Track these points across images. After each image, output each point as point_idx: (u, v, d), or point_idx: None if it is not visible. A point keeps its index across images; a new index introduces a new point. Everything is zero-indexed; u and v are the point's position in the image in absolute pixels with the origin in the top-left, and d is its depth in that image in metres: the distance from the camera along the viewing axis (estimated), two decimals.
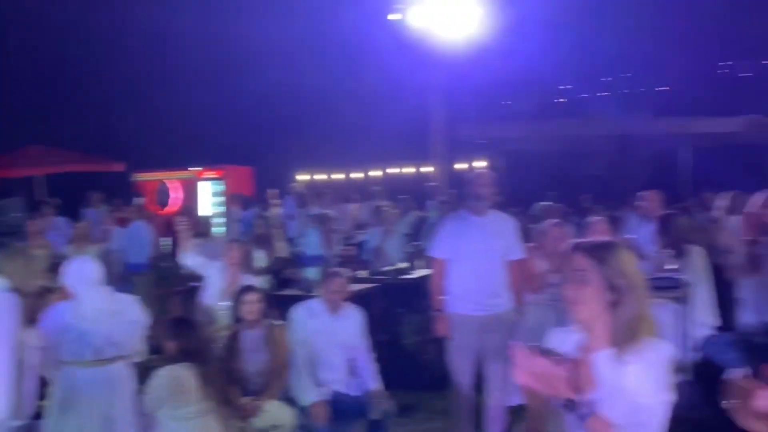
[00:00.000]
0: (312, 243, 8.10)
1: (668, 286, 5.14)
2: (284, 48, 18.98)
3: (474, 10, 11.56)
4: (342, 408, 4.82)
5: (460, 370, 5.14)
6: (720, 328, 5.48)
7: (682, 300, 5.12)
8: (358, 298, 6.13)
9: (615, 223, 8.08)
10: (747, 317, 5.26)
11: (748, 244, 4.83)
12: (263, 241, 7.78)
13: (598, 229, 5.85)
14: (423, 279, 6.55)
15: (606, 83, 29.32)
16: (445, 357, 5.30)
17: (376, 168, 21.37)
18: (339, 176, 21.25)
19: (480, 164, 17.56)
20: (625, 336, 2.32)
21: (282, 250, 8.37)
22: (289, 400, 4.80)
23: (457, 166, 16.72)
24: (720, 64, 30.04)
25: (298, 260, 8.20)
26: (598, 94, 28.11)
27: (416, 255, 8.02)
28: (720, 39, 26.00)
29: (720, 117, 14.70)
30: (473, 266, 5.03)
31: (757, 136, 13.98)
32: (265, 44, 18.20)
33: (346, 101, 19.89)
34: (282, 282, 7.19)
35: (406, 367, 6.96)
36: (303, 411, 4.71)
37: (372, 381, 4.92)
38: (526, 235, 6.19)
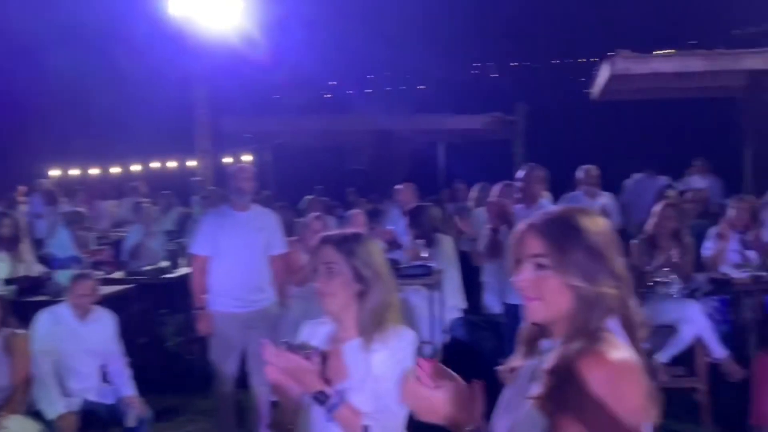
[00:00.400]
0: (62, 244, 7.52)
1: (421, 274, 5.42)
2: (28, 28, 17.35)
3: (241, 2, 11.39)
4: (94, 418, 4.55)
5: (224, 368, 5.07)
6: (466, 311, 5.88)
7: (433, 286, 5.42)
8: (113, 301, 5.82)
9: (376, 215, 8.40)
10: (490, 299, 5.70)
11: (491, 232, 5.21)
12: (5, 243, 7.09)
13: (357, 222, 6.04)
14: (185, 277, 6.36)
15: (370, 81, 30.36)
16: (209, 356, 5.19)
17: (136, 162, 20.39)
18: (95, 171, 19.97)
19: (247, 158, 17.41)
20: (372, 325, 2.39)
21: (27, 251, 7.68)
22: (35, 413, 4.43)
23: (224, 160, 16.43)
24: (473, 65, 32.32)
25: (47, 263, 7.58)
26: (364, 91, 29.03)
27: (179, 253, 7.76)
28: (473, 43, 27.94)
29: (469, 115, 15.80)
30: (235, 262, 4.97)
31: (498, 132, 15.25)
32: (4, 21, 16.49)
33: (103, 90, 18.70)
34: (27, 287, 6.60)
35: (169, 369, 6.76)
36: (50, 425, 4.37)
37: (126, 387, 4.68)
38: (293, 229, 6.23)
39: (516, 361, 1.70)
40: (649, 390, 1.53)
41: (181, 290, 6.28)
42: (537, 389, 1.54)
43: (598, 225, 1.64)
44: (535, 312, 1.62)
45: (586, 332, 1.54)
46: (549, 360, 1.56)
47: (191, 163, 15.69)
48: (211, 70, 12.49)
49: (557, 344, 1.59)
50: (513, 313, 5.04)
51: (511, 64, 32.61)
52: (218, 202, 7.28)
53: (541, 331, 1.66)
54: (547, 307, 1.60)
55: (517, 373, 1.68)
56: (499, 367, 1.74)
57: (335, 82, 28.98)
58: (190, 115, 12.44)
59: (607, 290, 1.57)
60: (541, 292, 1.59)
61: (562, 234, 1.60)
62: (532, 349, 1.67)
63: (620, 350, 1.51)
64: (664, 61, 9.46)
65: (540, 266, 1.60)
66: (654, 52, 10.63)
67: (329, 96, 28.68)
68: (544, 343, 1.66)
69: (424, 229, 5.75)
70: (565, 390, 1.46)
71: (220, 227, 5.06)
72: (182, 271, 7.17)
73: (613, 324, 1.58)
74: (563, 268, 1.57)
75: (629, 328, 1.60)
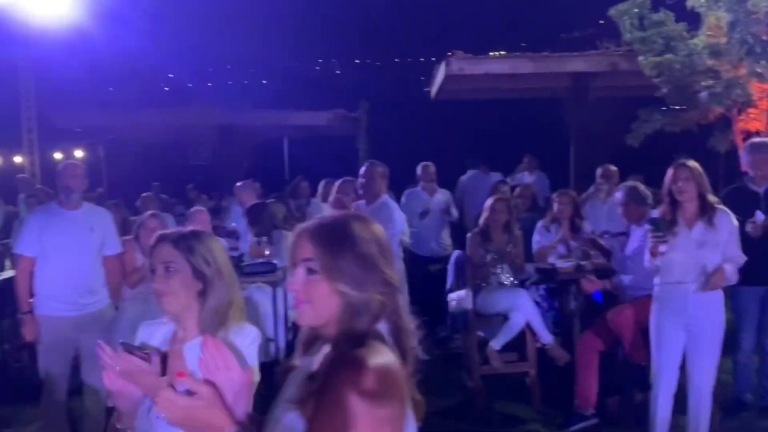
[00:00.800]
0: None
1: (264, 271, 5.40)
2: None
3: None
4: None
5: (55, 375, 4.81)
6: None
7: (277, 283, 5.42)
8: None
9: (218, 212, 8.26)
10: None
11: None
12: None
13: (200, 219, 5.91)
14: (11, 280, 5.97)
15: (212, 74, 29.72)
16: (39, 363, 4.91)
17: None
18: None
19: (78, 154, 16.56)
20: (214, 323, 2.37)
21: None
22: None
23: (53, 156, 15.55)
24: (318, 61, 32.41)
25: None
26: (205, 85, 28.37)
27: (4, 254, 7.28)
28: (317, 39, 27.99)
29: (314, 111, 15.88)
30: (64, 263, 4.72)
31: (340, 128, 15.44)
32: None
33: None
34: None
35: None
36: None
37: None
38: (127, 228, 6.00)
39: (294, 361, 1.72)
40: (410, 396, 1.57)
41: (7, 294, 5.90)
42: (299, 392, 1.56)
43: (370, 232, 1.66)
44: (304, 315, 1.64)
45: (352, 337, 1.57)
46: (314, 363, 1.60)
47: (18, 159, 14.71)
48: (39, 60, 11.80)
49: (326, 348, 1.62)
50: None
51: (355, 61, 33.03)
52: (46, 200, 6.89)
53: (319, 333, 1.67)
54: (315, 311, 1.62)
55: (292, 374, 1.70)
56: (279, 367, 1.75)
57: (174, 75, 28.13)
58: (17, 107, 11.69)
59: (376, 297, 1.61)
60: (310, 296, 1.61)
61: (332, 240, 1.62)
62: (309, 350, 1.69)
63: (382, 356, 1.53)
64: (496, 63, 9.94)
65: (310, 271, 1.62)
66: (490, 54, 11.13)
67: (168, 89, 27.82)
68: (320, 346, 1.67)
69: (264, 227, 5.72)
70: (323, 394, 1.49)
71: (47, 226, 4.79)
72: (7, 273, 6.72)
73: (382, 330, 1.62)
74: (331, 273, 1.59)
75: (398, 335, 1.63)
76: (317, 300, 1.61)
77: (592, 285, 5.47)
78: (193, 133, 16.42)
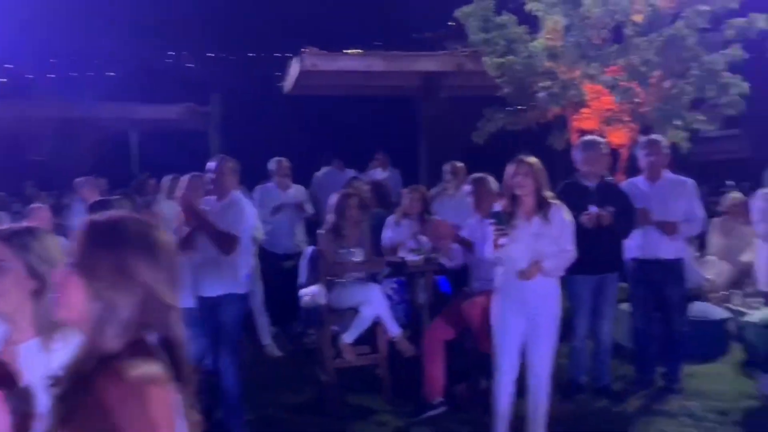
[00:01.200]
0: None
1: None
2: None
3: None
4: None
5: None
6: None
7: None
8: None
9: (60, 209, 7.86)
10: (183, 293, 5.62)
11: (182, 225, 5.17)
12: None
13: (40, 217, 5.62)
14: None
15: (53, 65, 28.18)
16: None
17: None
18: None
19: None
20: (52, 323, 2.29)
21: None
22: None
23: None
24: (168, 53, 31.41)
25: None
26: (46, 76, 26.89)
27: None
28: (167, 30, 27.16)
29: (163, 104, 15.41)
30: None
31: (191, 122, 15.09)
32: None
33: None
34: None
35: None
36: None
37: None
38: None
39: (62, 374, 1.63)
40: (177, 407, 1.54)
41: None
42: (57, 410, 1.50)
43: (147, 238, 1.61)
44: (57, 308, 1.62)
45: (111, 346, 1.51)
46: (64, 372, 1.54)
47: None
48: None
49: (80, 354, 1.56)
50: (207, 306, 5.04)
51: (207, 54, 32.28)
52: None
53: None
54: (66, 305, 1.59)
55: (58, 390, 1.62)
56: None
57: (12, 66, 26.43)
58: None
59: (137, 305, 1.55)
60: (63, 290, 1.58)
61: (94, 237, 1.59)
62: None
63: (144, 367, 1.47)
64: (349, 60, 10.04)
65: (70, 265, 1.59)
66: (344, 51, 11.22)
67: (5, 81, 26.12)
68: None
69: None
70: (77, 406, 1.44)
71: None
72: None
73: (151, 340, 1.56)
74: (83, 269, 1.56)
75: (168, 348, 1.57)
76: (67, 294, 1.57)
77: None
78: (30, 127, 15.49)
